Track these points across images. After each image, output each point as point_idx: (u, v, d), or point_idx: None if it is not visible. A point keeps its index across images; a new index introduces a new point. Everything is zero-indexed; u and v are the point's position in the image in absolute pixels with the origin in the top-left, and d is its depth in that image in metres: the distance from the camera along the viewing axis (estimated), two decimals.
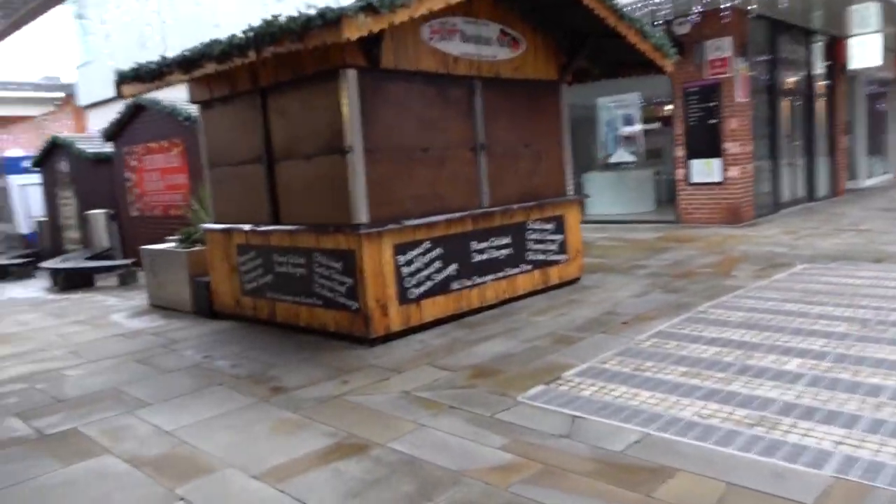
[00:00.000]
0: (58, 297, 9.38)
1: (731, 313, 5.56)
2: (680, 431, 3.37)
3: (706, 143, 11.08)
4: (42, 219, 13.76)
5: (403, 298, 5.53)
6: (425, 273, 5.70)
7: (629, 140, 12.30)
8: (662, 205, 13.42)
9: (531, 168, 6.83)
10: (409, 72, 5.61)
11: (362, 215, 5.26)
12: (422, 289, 5.67)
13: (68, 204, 12.63)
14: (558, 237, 7.10)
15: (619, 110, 12.35)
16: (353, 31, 4.48)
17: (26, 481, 3.39)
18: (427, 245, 5.72)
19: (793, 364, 4.24)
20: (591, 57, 7.29)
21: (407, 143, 5.63)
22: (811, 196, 14.12)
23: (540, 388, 4.15)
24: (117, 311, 7.88)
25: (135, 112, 10.87)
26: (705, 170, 11.13)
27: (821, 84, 14.37)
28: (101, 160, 11.82)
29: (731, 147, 10.88)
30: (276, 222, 6.01)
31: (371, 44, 5.13)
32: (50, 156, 12.93)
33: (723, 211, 11.09)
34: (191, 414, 4.17)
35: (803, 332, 4.86)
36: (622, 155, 12.51)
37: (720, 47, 10.76)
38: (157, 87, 6.22)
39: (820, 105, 14.43)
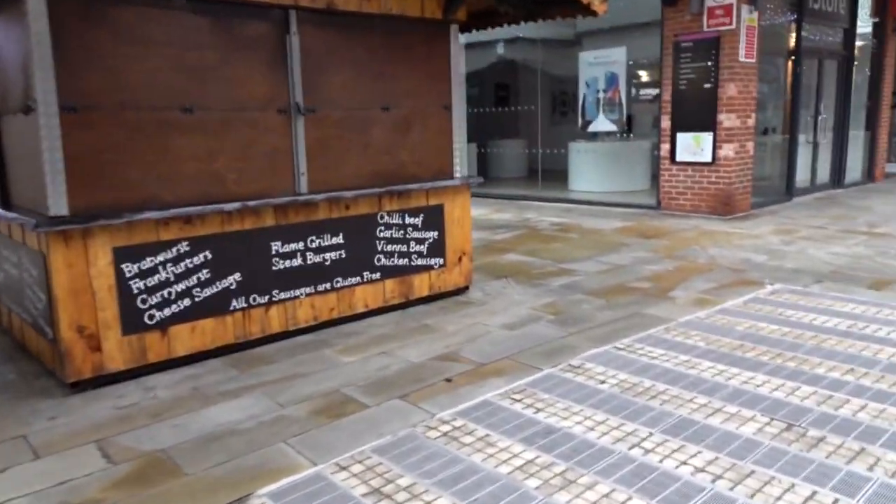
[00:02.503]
0: None
1: (609, 374, 3.74)
2: None
3: (697, 112, 8.95)
4: None
5: (133, 324, 3.86)
6: (179, 287, 4.01)
7: (612, 105, 10.20)
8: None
9: (392, 140, 5.01)
10: None
11: (57, 204, 3.57)
12: (170, 310, 3.99)
13: None
14: (430, 235, 5.30)
15: (602, 68, 10.22)
16: None
17: None
18: (183, 247, 4.01)
19: None
20: None
21: (154, 99, 3.87)
22: (837, 181, 11.82)
23: None
24: None
25: None
26: (693, 146, 9.04)
27: (862, 44, 11.88)
28: None
29: (725, 119, 8.74)
30: None
31: None
32: None
33: (711, 198, 9.03)
34: None
35: (678, 430, 3.03)
36: (602, 122, 10.43)
37: None
38: None
39: (859, 70, 11.96)
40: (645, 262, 6.66)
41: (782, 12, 9.87)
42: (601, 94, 10.34)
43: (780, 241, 7.43)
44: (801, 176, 10.85)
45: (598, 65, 10.32)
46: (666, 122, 9.33)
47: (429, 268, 5.32)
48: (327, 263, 4.70)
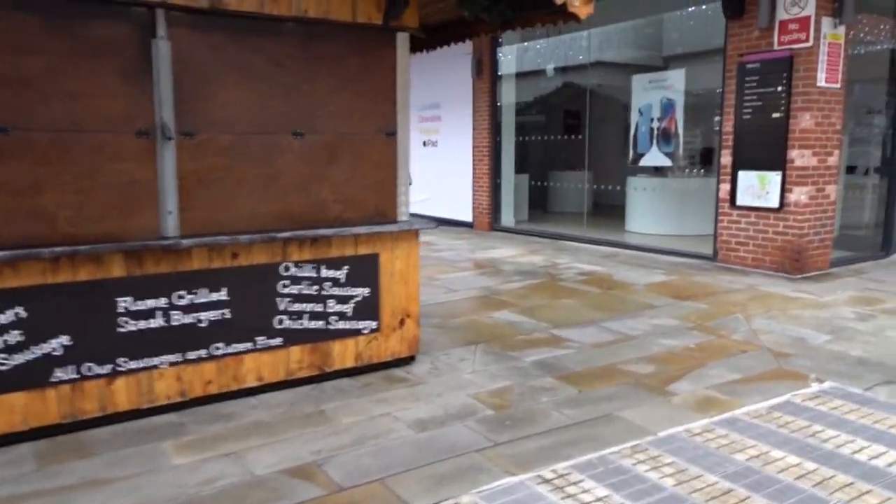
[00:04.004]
0: None
1: None
2: None
3: (763, 147, 7.43)
4: None
5: None
6: None
7: (667, 136, 8.78)
8: None
9: (308, 174, 4.01)
10: None
11: None
12: None
13: None
14: (359, 292, 4.23)
15: (657, 93, 8.82)
16: None
17: None
18: None
19: None
20: None
21: None
22: None
23: None
24: None
25: None
26: (757, 188, 7.50)
27: None
28: None
29: (798, 157, 7.17)
30: None
31: None
32: None
33: (776, 252, 7.43)
34: None
35: None
36: (655, 156, 9.00)
37: (799, 1, 7.04)
38: None
39: None
40: (664, 332, 5.29)
41: (881, 25, 8.16)
42: (655, 124, 8.94)
43: (855, 315, 5.81)
44: None
45: (654, 89, 8.94)
46: (726, 158, 7.83)
47: (355, 332, 4.25)
48: (202, 325, 3.73)
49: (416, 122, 13.41)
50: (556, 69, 12.86)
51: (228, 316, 3.80)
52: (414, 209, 13.66)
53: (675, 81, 8.71)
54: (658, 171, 10.31)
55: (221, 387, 3.83)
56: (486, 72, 11.38)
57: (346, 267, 4.16)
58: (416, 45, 5.00)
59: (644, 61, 11.73)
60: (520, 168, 12.51)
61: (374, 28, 4.12)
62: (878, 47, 8.30)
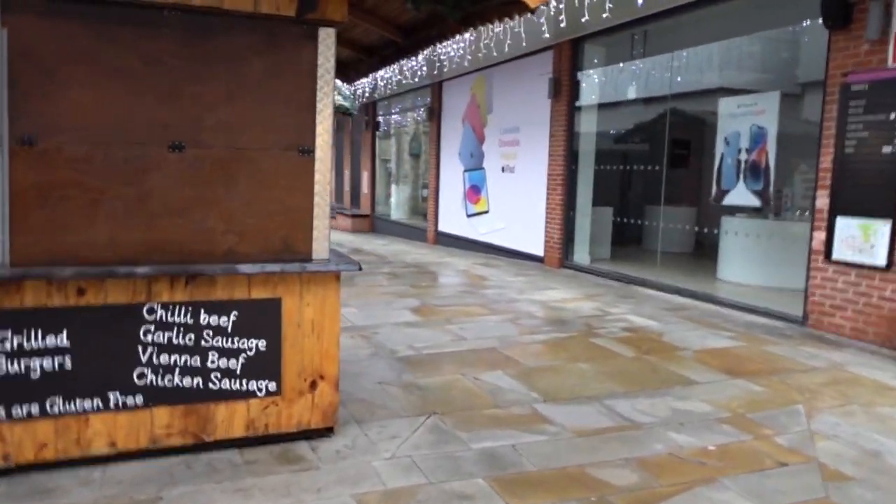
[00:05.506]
0: None
1: None
2: None
3: (869, 188, 5.86)
4: None
5: None
6: None
7: (755, 171, 7.29)
8: None
9: (190, 196, 3.27)
10: None
11: None
12: None
13: None
14: (252, 344, 3.41)
15: (745, 119, 7.36)
16: None
17: None
18: None
19: None
20: None
21: None
22: None
23: None
24: None
25: None
26: (860, 239, 5.92)
27: None
28: None
29: None
30: None
31: None
32: None
33: (883, 323, 5.79)
34: None
35: None
36: (741, 194, 7.50)
37: None
38: None
39: None
40: (683, 423, 4.04)
41: None
42: (743, 156, 7.48)
43: None
44: None
45: (743, 115, 7.50)
46: (822, 201, 6.30)
47: (246, 395, 3.43)
48: (35, 376, 3.06)
49: (496, 147, 12.54)
50: (665, 96, 11.38)
51: (69, 366, 3.10)
52: (486, 238, 12.83)
53: (767, 106, 7.23)
54: (758, 211, 8.75)
55: (60, 452, 3.13)
56: (563, 93, 10.31)
57: (234, 312, 3.36)
58: (396, 53, 4.18)
59: (778, 87, 9.94)
60: (604, 200, 11.25)
61: (285, 21, 3.34)
62: None
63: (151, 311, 3.22)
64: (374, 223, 19.36)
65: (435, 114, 15.07)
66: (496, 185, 12.58)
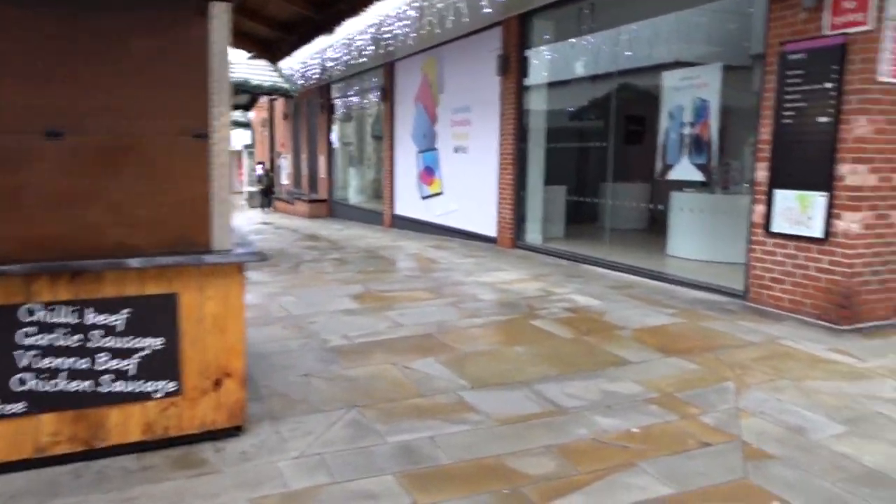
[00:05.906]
0: None
1: None
2: None
3: (806, 160, 5.82)
4: None
5: None
6: None
7: (699, 145, 7.22)
8: None
9: (72, 187, 3.06)
10: None
11: None
12: None
13: None
14: (147, 343, 3.22)
15: (688, 92, 7.28)
16: None
17: None
18: None
19: None
20: None
21: None
22: None
23: None
24: None
25: None
26: (797, 211, 5.88)
27: None
28: None
29: (850, 173, 5.53)
30: None
31: None
32: None
33: (820, 295, 5.78)
34: None
35: None
36: (685, 168, 7.44)
37: None
38: None
39: None
40: (610, 405, 3.95)
41: None
42: (687, 130, 7.40)
43: None
44: None
45: (685, 88, 7.41)
46: (762, 173, 6.24)
47: (141, 397, 3.24)
48: None
49: (448, 127, 12.34)
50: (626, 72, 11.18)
51: None
52: (441, 220, 12.64)
53: (710, 78, 7.15)
54: (705, 185, 8.70)
55: None
56: (512, 70, 10.14)
57: (125, 311, 3.16)
58: (314, 29, 3.96)
59: (729, 61, 9.79)
60: (558, 179, 11.14)
61: None
62: None
63: (30, 312, 3.01)
64: (332, 208, 19.07)
65: (388, 94, 14.80)
66: (449, 166, 12.40)
